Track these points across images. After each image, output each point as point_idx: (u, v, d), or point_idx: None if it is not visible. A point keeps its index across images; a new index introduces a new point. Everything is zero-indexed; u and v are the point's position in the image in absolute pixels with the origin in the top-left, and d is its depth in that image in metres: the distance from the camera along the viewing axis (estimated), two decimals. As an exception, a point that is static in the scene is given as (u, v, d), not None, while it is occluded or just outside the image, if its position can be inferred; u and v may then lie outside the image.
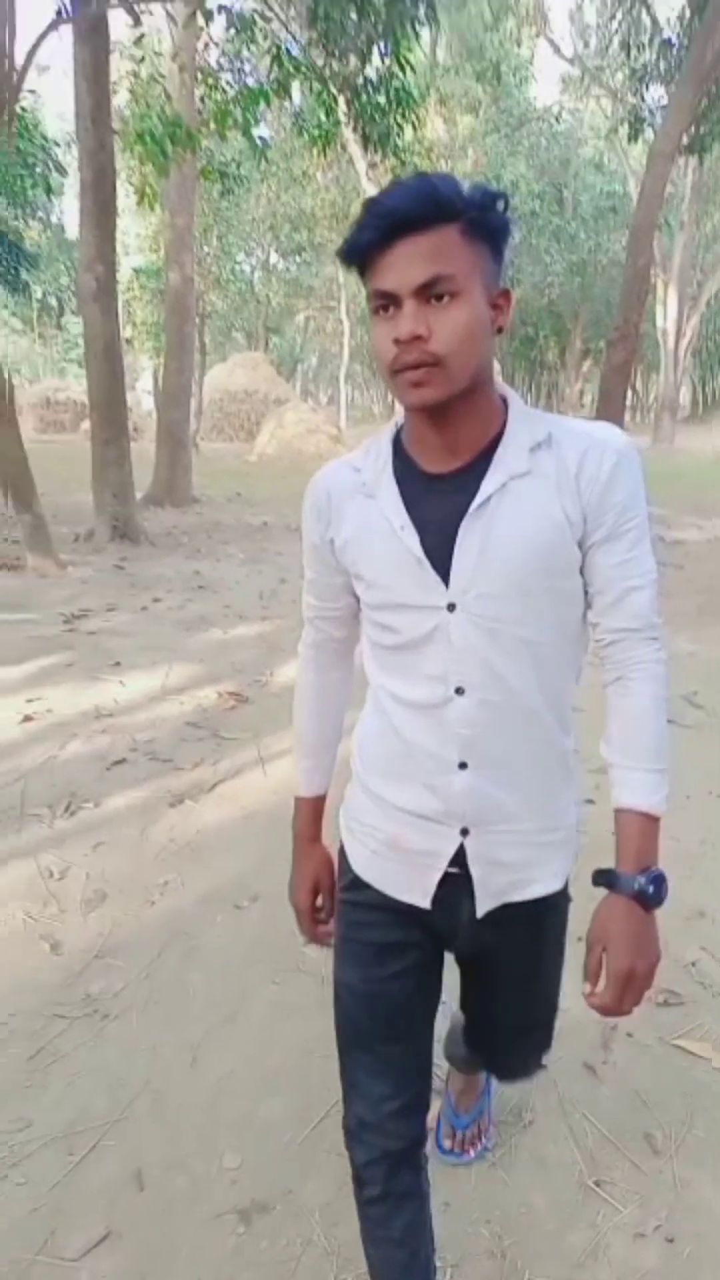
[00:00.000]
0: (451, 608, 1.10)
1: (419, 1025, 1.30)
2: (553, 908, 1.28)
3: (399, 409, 1.15)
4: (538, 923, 1.28)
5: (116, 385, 9.44)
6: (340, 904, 1.34)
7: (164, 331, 13.84)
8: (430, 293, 0.99)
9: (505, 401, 1.13)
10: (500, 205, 1.02)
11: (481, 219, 1.00)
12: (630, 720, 1.17)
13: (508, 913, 1.22)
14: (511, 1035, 1.45)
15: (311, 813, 1.43)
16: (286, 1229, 1.70)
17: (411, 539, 1.10)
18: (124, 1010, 2.30)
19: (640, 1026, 2.24)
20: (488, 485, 1.07)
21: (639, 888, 1.12)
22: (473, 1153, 1.83)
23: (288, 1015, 2.26)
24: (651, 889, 1.13)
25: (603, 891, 1.17)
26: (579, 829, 1.27)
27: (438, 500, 1.10)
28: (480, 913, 1.21)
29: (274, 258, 33.65)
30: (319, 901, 1.41)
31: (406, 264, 0.98)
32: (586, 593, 1.15)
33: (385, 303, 1.01)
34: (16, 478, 7.47)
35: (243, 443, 25.74)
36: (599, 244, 24.74)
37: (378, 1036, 1.28)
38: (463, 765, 1.15)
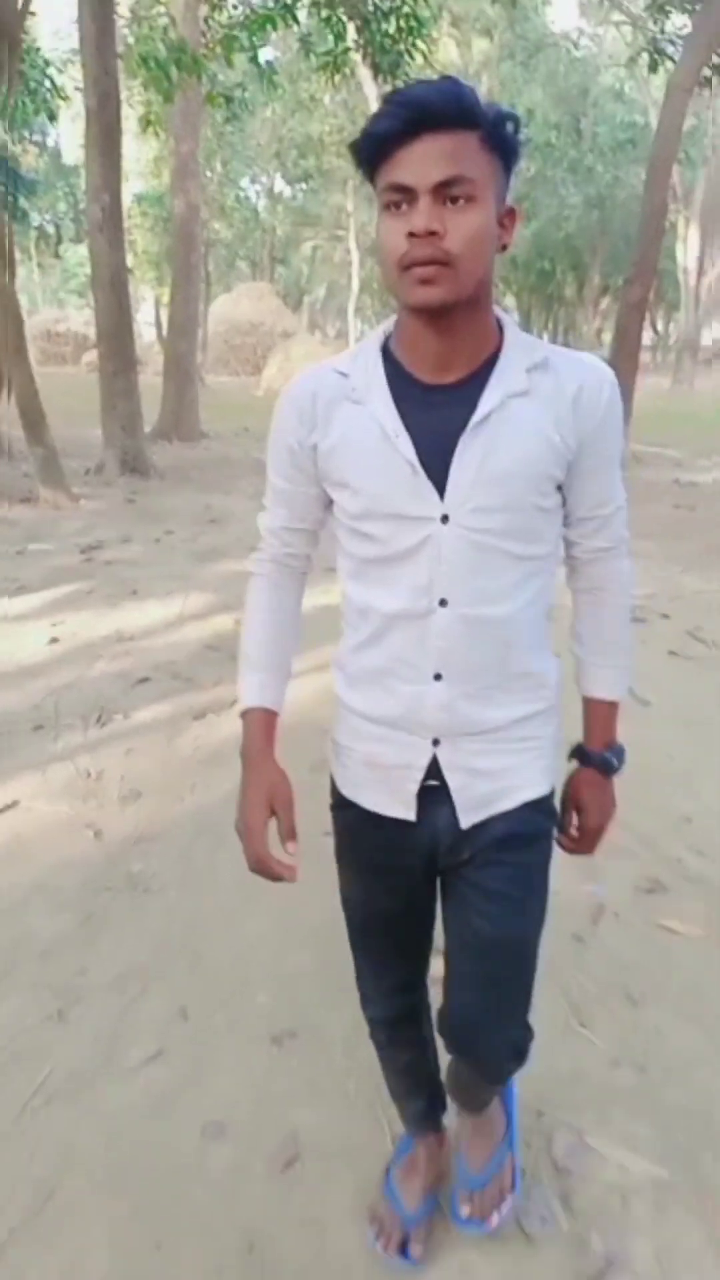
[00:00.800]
0: (445, 519, 1.10)
1: (414, 925, 1.39)
2: (542, 819, 1.29)
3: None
4: (522, 832, 1.26)
5: (124, 316, 9.49)
6: (333, 820, 1.38)
7: (167, 261, 13.73)
8: (447, 193, 0.98)
9: (501, 324, 1.14)
10: (516, 122, 1.02)
11: (499, 132, 1.00)
12: (605, 625, 1.30)
13: (493, 825, 1.24)
14: (487, 973, 1.31)
15: (263, 724, 1.26)
16: (312, 1050, 1.99)
17: (406, 446, 1.09)
18: (162, 886, 2.58)
19: (626, 908, 2.52)
20: (488, 401, 1.08)
21: (605, 761, 1.34)
22: (496, 1218, 1.56)
23: (308, 889, 2.52)
24: (615, 760, 1.35)
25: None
26: (559, 739, 1.30)
27: (433, 411, 1.10)
28: (464, 824, 1.23)
29: (280, 184, 32.95)
30: (276, 824, 1.21)
31: (428, 159, 0.97)
32: (565, 510, 1.20)
33: (399, 198, 1.00)
34: (29, 411, 7.60)
35: (248, 376, 25.56)
36: (617, 177, 24.17)
37: (375, 937, 1.41)
38: (437, 676, 1.17)
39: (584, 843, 1.38)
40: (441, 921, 1.38)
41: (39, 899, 2.51)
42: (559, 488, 1.15)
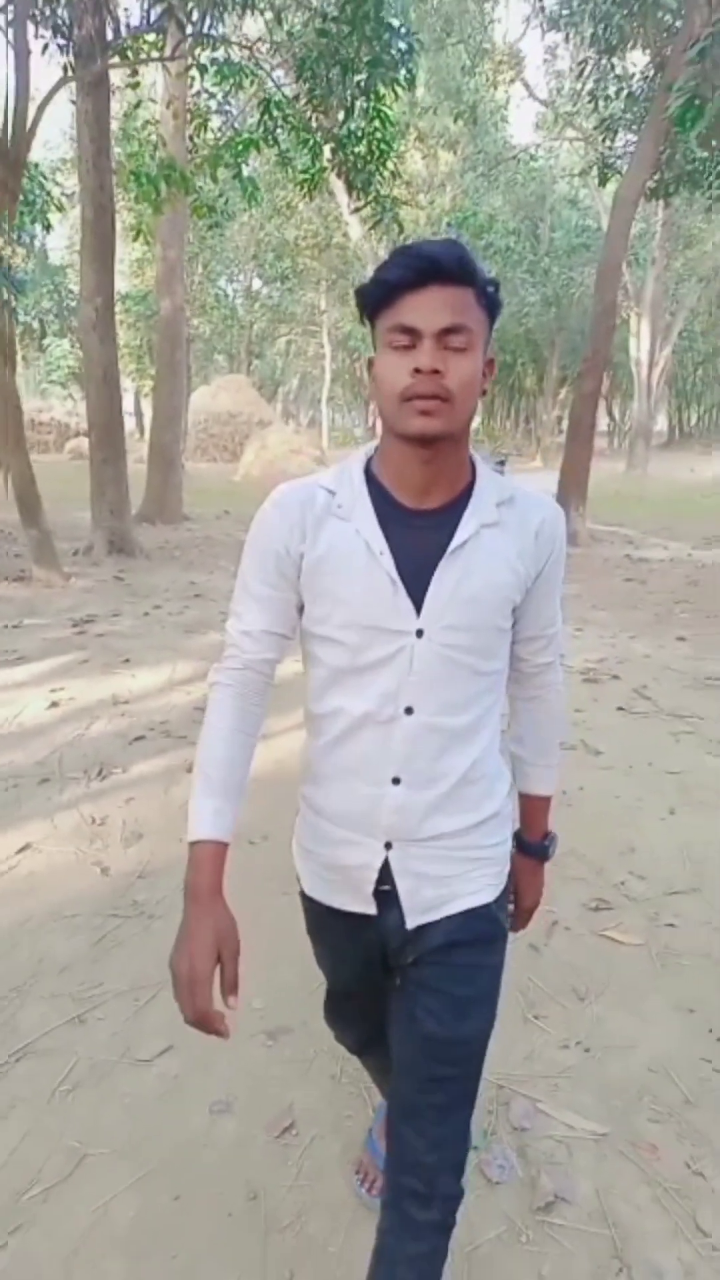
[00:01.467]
0: (420, 634, 1.19)
1: (378, 999, 1.44)
2: (481, 924, 1.30)
3: (379, 432, 1.26)
4: (465, 938, 1.29)
5: (114, 409, 10.06)
6: (303, 908, 1.48)
7: (155, 357, 14.47)
8: (448, 340, 1.09)
9: (471, 461, 1.26)
10: (494, 288, 1.15)
11: (489, 292, 1.13)
12: (543, 728, 1.45)
13: (437, 929, 1.29)
14: (426, 1075, 1.27)
15: (215, 860, 1.20)
16: (303, 1043, 2.29)
17: (389, 564, 1.18)
18: (165, 913, 2.88)
19: (576, 923, 2.85)
20: (465, 529, 1.19)
21: (543, 850, 1.51)
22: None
23: (295, 917, 2.84)
24: (550, 848, 1.52)
25: None
26: (510, 846, 1.40)
27: (413, 533, 1.19)
28: (410, 924, 1.28)
29: (257, 283, 34.51)
30: (218, 973, 1.15)
31: (436, 307, 1.08)
32: (515, 630, 1.32)
33: (406, 339, 1.10)
34: (26, 496, 8.03)
35: (226, 463, 26.40)
36: (571, 278, 25.76)
37: (342, 1001, 1.58)
38: (395, 780, 1.24)
39: (518, 921, 1.53)
40: (391, 1030, 1.36)
41: (55, 925, 2.80)
42: (513, 610, 1.27)
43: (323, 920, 1.40)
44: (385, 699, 1.21)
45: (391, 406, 1.13)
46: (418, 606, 1.18)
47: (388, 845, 1.25)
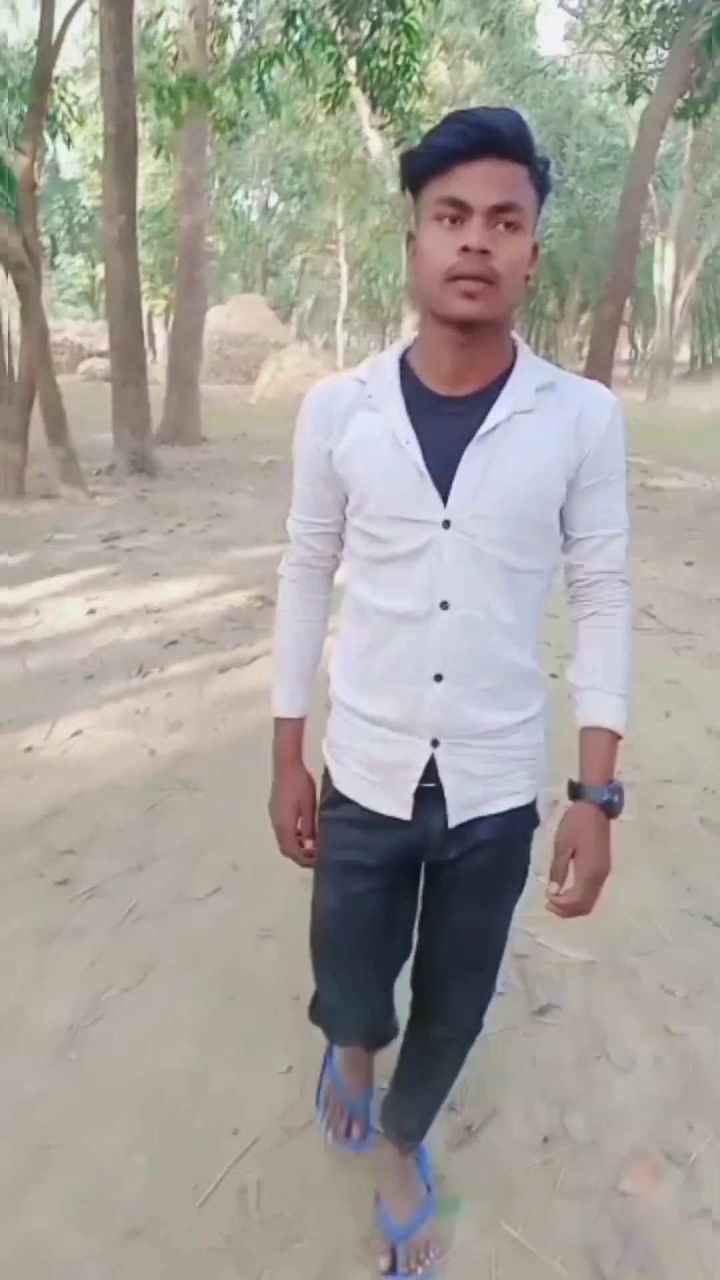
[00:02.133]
0: (446, 525, 1.15)
1: (387, 942, 1.42)
2: (521, 824, 1.33)
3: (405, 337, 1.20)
4: (505, 837, 1.31)
5: (136, 329, 10.14)
6: (321, 823, 1.42)
7: (161, 274, 14.39)
8: (501, 217, 1.03)
9: (515, 346, 1.20)
10: (546, 168, 1.09)
11: (542, 171, 1.07)
12: (606, 651, 1.28)
13: (479, 827, 1.29)
14: (458, 959, 1.43)
15: (293, 733, 1.44)
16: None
17: (415, 453, 1.14)
18: (208, 788, 3.22)
19: (574, 804, 3.18)
20: (496, 414, 1.13)
21: (606, 798, 1.25)
22: (420, 1271, 1.54)
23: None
24: (616, 799, 1.26)
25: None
26: (548, 749, 1.34)
27: (443, 420, 1.14)
28: (452, 823, 1.27)
29: (273, 199, 33.76)
30: (299, 823, 1.43)
31: (489, 181, 1.01)
32: (565, 533, 1.24)
33: (454, 212, 1.04)
34: (52, 415, 8.23)
35: (241, 385, 26.22)
36: (596, 199, 25.09)
37: (348, 952, 1.43)
38: (438, 678, 1.21)
39: (584, 894, 1.26)
40: (421, 912, 1.44)
41: (111, 795, 3.16)
42: (560, 508, 1.20)
43: (349, 830, 1.35)
44: (419, 594, 1.18)
45: (433, 285, 1.08)
46: (444, 495, 1.14)
47: (434, 743, 1.24)
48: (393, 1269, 1.53)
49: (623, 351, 45.90)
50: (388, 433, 1.16)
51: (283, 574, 1.43)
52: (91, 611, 5.20)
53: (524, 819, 1.33)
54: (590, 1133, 1.87)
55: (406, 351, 1.22)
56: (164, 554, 6.72)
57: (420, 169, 1.07)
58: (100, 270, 35.53)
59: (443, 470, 1.14)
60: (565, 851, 1.26)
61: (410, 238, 1.14)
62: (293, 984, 2.25)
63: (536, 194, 1.07)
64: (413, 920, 1.45)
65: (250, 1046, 2.07)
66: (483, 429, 1.13)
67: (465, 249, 1.03)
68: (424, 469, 1.14)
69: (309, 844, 1.43)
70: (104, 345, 25.20)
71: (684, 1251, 1.63)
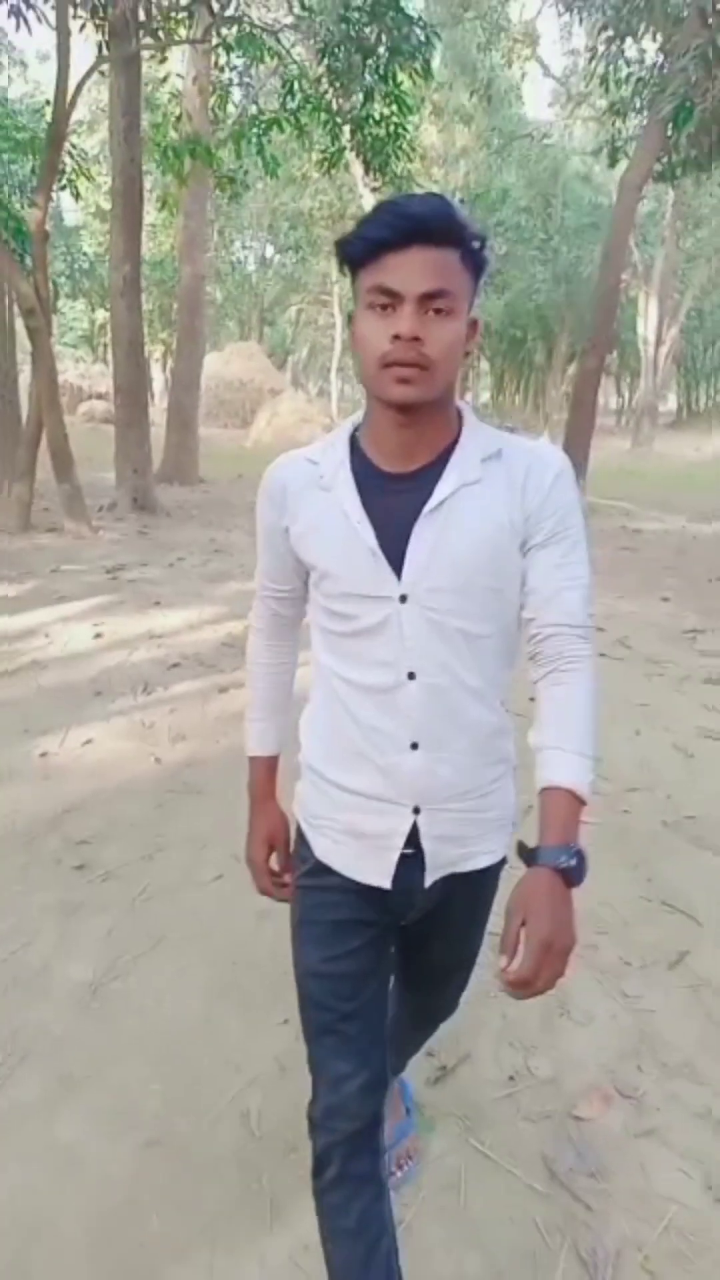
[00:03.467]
0: (404, 599, 1.16)
1: (376, 999, 1.37)
2: (493, 880, 1.40)
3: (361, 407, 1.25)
4: (479, 887, 1.38)
5: (140, 373, 10.59)
6: (299, 889, 1.39)
7: (161, 320, 14.90)
8: (430, 304, 1.05)
9: (460, 415, 1.22)
10: (481, 244, 1.10)
11: (476, 251, 1.08)
12: (565, 708, 1.19)
13: (451, 881, 1.32)
14: (440, 977, 1.56)
15: (265, 770, 1.51)
16: (328, 874, 2.92)
17: (367, 532, 1.16)
18: (211, 791, 3.50)
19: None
20: (443, 488, 1.15)
21: (563, 863, 1.10)
22: (400, 1174, 1.80)
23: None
24: (575, 863, 1.11)
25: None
26: (516, 809, 1.38)
27: (393, 498, 1.17)
28: (428, 882, 1.30)
29: (270, 251, 34.75)
30: (273, 859, 1.49)
31: (417, 270, 1.04)
32: (524, 593, 1.22)
33: (385, 300, 1.06)
34: (59, 452, 8.59)
35: (237, 429, 26.81)
36: (580, 256, 26.04)
37: (340, 1014, 1.32)
38: (414, 745, 1.22)
39: (531, 967, 1.03)
40: (398, 952, 1.50)
41: (122, 796, 3.43)
42: (516, 570, 1.20)
43: (328, 897, 1.34)
44: (385, 667, 1.20)
45: (370, 371, 1.11)
46: (399, 571, 1.16)
47: (415, 810, 1.25)
48: None
49: (611, 401, 47.05)
50: (340, 512, 1.19)
51: (250, 624, 1.50)
52: (98, 635, 5.49)
53: (493, 876, 1.39)
54: (551, 1072, 2.14)
55: (357, 429, 1.25)
56: (165, 585, 7.03)
57: (353, 257, 1.09)
58: (100, 315, 36.42)
59: (395, 546, 1.16)
60: (515, 919, 1.06)
61: (351, 319, 1.15)
62: (289, 958, 2.52)
63: (471, 274, 1.10)
64: (389, 979, 1.49)
65: (251, 1003, 2.33)
66: (429, 504, 1.15)
67: (397, 337, 1.06)
68: (376, 548, 1.16)
69: (286, 877, 1.46)
70: (103, 388, 25.85)
71: (630, 1161, 1.89)
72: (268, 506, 1.30)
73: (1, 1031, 2.18)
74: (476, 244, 1.09)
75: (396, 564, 1.16)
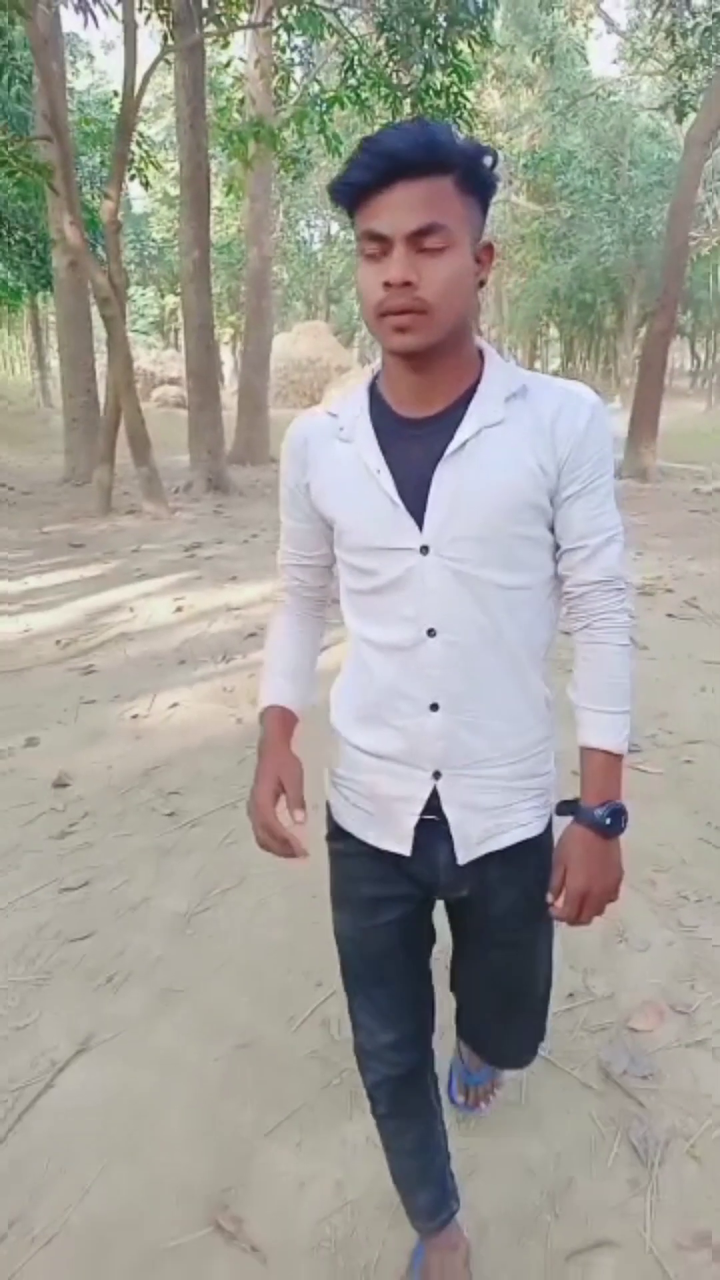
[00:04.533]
0: (425, 550, 1.11)
1: (410, 970, 1.34)
2: (534, 860, 1.27)
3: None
4: (521, 872, 1.27)
5: (211, 357, 10.88)
6: (330, 854, 1.37)
7: (229, 303, 15.15)
8: (422, 241, 0.98)
9: (482, 354, 1.16)
10: (490, 158, 1.02)
11: (474, 172, 1.00)
12: (597, 667, 1.20)
13: (491, 862, 1.25)
14: (501, 1008, 1.41)
15: (278, 719, 1.30)
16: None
17: (387, 481, 1.11)
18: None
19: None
20: (463, 431, 1.09)
21: (598, 819, 1.18)
22: (484, 1107, 1.89)
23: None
24: (609, 820, 1.19)
25: None
26: (556, 775, 1.30)
27: (413, 444, 1.12)
28: (461, 859, 1.23)
29: (334, 228, 34.72)
30: (280, 802, 1.22)
31: (402, 209, 0.97)
32: (556, 544, 1.18)
33: (375, 246, 1.01)
34: (136, 437, 8.93)
35: (306, 408, 26.93)
36: (648, 216, 25.36)
37: (370, 980, 1.35)
38: (434, 707, 1.17)
39: (571, 910, 1.21)
40: (454, 955, 1.45)
41: (207, 752, 3.68)
42: (548, 518, 1.15)
43: (353, 865, 1.32)
44: (406, 623, 1.15)
45: (370, 321, 1.06)
46: (420, 521, 1.11)
47: (436, 775, 1.20)
48: (465, 1103, 1.89)
49: (685, 363, 45.72)
50: (359, 463, 1.14)
51: (276, 599, 1.41)
52: (179, 609, 5.78)
53: (537, 853, 1.27)
54: (608, 990, 2.30)
55: (376, 378, 1.20)
56: (240, 560, 7.30)
57: (342, 204, 1.04)
58: (170, 300, 37.01)
59: (416, 495, 1.11)
60: (559, 869, 1.22)
61: None
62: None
63: (474, 196, 1.03)
64: (429, 949, 1.41)
65: (328, 930, 2.53)
66: (450, 448, 1.10)
67: (388, 284, 1.00)
68: (396, 497, 1.11)
69: (298, 816, 1.19)
70: (175, 372, 26.38)
71: (680, 1067, 2.04)
72: (290, 463, 1.25)
73: (108, 953, 2.45)
74: (476, 163, 1.01)
75: (418, 513, 1.11)
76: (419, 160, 0.96)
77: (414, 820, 1.22)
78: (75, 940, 2.50)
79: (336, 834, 1.34)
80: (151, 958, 2.43)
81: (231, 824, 3.11)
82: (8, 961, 2.41)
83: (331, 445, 1.18)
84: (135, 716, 4.05)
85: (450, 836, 1.23)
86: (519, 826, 1.25)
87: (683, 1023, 2.19)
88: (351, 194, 1.01)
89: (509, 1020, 1.45)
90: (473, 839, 1.23)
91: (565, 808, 1.25)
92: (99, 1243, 1.65)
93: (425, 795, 1.21)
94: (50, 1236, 1.65)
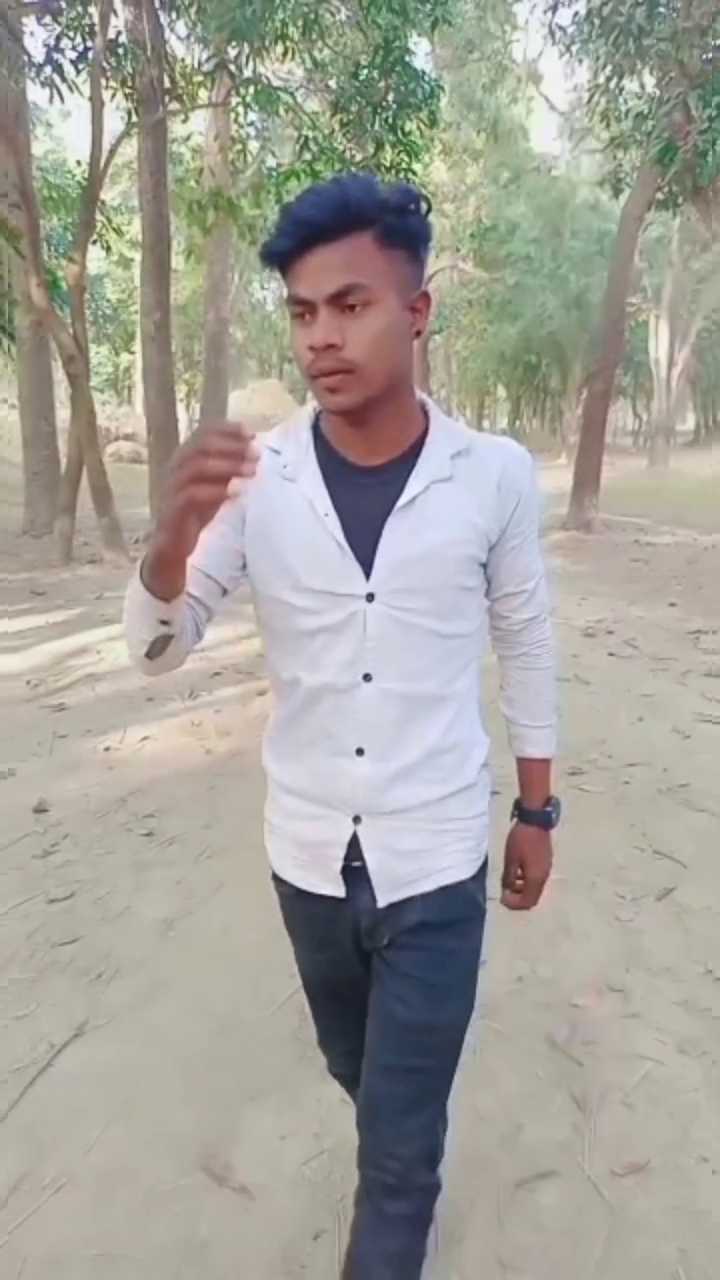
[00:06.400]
0: (370, 598, 1.11)
1: (355, 1000, 1.33)
2: (457, 905, 1.25)
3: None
4: (440, 919, 1.23)
5: (170, 413, 11.24)
6: (277, 894, 1.37)
7: (198, 364, 15.68)
8: (344, 301, 0.99)
9: (426, 411, 1.16)
10: (417, 207, 1.02)
11: (398, 225, 1.00)
12: (533, 689, 1.36)
13: (408, 908, 1.22)
14: (392, 1071, 1.25)
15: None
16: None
17: (334, 526, 1.10)
18: (258, 775, 3.91)
19: (559, 781, 3.91)
20: (414, 485, 1.10)
21: (545, 817, 1.41)
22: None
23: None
24: (554, 814, 1.41)
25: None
26: (487, 819, 1.30)
27: (360, 492, 1.12)
28: (381, 902, 1.21)
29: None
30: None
31: (319, 273, 0.98)
32: (488, 588, 1.24)
33: (302, 309, 1.01)
34: (99, 489, 9.20)
35: (260, 464, 27.50)
36: (589, 284, 26.69)
37: (322, 999, 1.45)
38: (359, 751, 1.17)
39: (528, 895, 1.43)
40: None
41: (179, 780, 3.91)
42: (483, 567, 1.18)
43: (295, 906, 1.33)
44: (341, 667, 1.15)
45: (307, 382, 1.06)
46: (366, 569, 1.11)
47: (356, 819, 1.20)
48: None
49: (629, 422, 47.53)
50: (305, 504, 1.12)
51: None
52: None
53: (459, 899, 1.25)
54: (553, 974, 2.56)
55: (319, 415, 1.18)
56: (202, 607, 7.55)
57: (273, 269, 1.04)
58: (125, 359, 37.52)
59: (363, 543, 1.11)
60: (513, 865, 1.42)
61: None
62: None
63: (401, 248, 1.02)
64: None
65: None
66: (401, 500, 1.10)
67: (312, 348, 1.01)
68: (345, 543, 1.10)
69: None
70: (129, 429, 26.69)
71: (616, 1034, 2.31)
72: None
73: (97, 954, 2.65)
74: (400, 215, 1.00)
75: (365, 561, 1.11)
76: (330, 223, 0.97)
77: (339, 865, 1.22)
78: (65, 944, 2.70)
79: (276, 877, 1.35)
80: (137, 957, 2.64)
81: (207, 840, 3.34)
82: (4, 964, 2.60)
83: (271, 479, 1.14)
84: (108, 749, 4.26)
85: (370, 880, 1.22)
86: (440, 872, 1.23)
87: (619, 999, 2.46)
88: (276, 261, 1.02)
89: (406, 1078, 1.25)
90: (393, 882, 1.22)
91: (515, 810, 1.43)
92: (103, 1189, 1.85)
93: (346, 839, 1.21)
94: (60, 1185, 1.85)
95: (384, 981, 1.26)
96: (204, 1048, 2.27)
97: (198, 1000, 2.44)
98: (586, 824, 3.49)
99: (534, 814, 1.40)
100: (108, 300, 34.30)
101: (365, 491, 1.12)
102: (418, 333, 1.08)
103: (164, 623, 1.04)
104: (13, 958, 2.63)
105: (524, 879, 1.42)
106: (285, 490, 1.14)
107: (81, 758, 4.17)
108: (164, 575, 0.98)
